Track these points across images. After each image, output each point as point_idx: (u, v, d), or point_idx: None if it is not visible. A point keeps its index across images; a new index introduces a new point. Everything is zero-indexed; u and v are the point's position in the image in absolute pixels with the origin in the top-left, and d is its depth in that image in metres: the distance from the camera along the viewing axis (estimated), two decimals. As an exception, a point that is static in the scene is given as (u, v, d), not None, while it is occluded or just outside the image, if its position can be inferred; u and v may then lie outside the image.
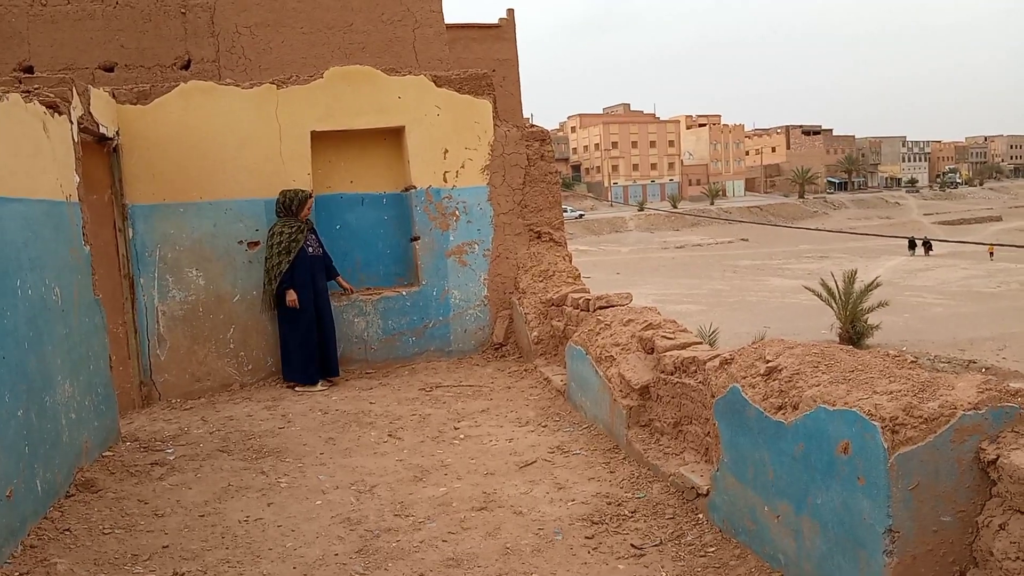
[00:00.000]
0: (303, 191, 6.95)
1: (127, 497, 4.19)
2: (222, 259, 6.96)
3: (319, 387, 6.71)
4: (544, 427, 5.27)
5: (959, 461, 2.30)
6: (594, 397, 5.18)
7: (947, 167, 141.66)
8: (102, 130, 6.01)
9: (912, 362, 2.85)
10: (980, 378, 2.39)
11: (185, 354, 6.84)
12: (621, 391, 4.70)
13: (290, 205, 6.84)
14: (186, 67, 9.14)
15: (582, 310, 6.15)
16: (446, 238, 7.57)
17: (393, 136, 7.60)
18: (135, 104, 6.70)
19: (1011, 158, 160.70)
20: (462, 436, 5.13)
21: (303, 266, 6.75)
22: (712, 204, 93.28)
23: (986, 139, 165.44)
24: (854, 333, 26.17)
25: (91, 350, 4.90)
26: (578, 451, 4.70)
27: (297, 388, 6.71)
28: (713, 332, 22.46)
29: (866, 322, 26.42)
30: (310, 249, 6.83)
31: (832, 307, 27.18)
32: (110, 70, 8.97)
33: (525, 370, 6.89)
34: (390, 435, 5.22)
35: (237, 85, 7.15)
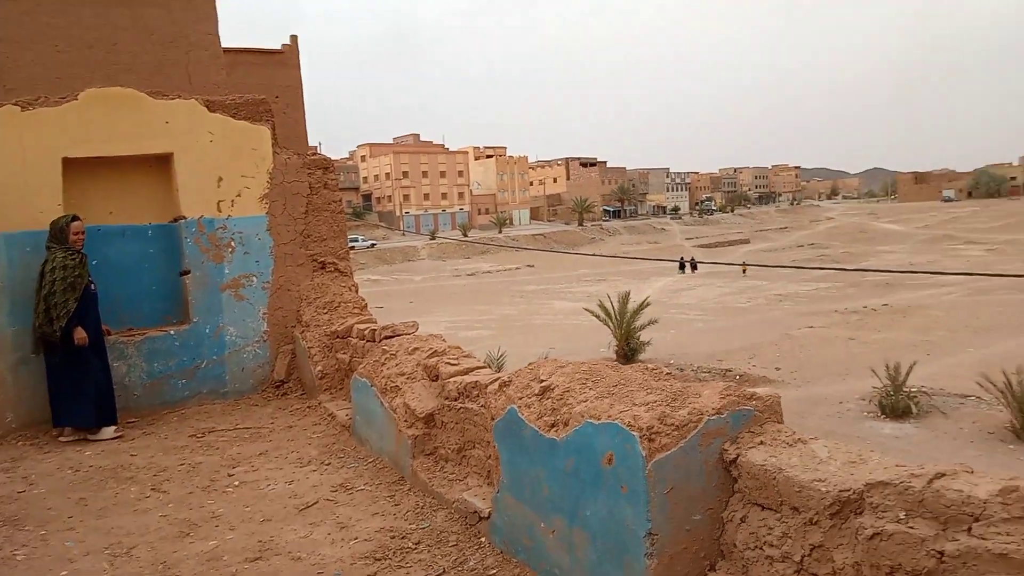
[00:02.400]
0: (68, 215, 6.19)
1: None
2: (-55, 302, 6.02)
3: (113, 433, 6.03)
4: (327, 465, 5.07)
5: (706, 463, 2.50)
6: (380, 429, 5.07)
7: (704, 196, 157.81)
8: None
9: (667, 374, 3.07)
10: (722, 385, 2.62)
11: None
12: (406, 421, 4.65)
13: (57, 232, 6.08)
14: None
15: (368, 341, 6.03)
16: (220, 271, 7.10)
17: (160, 163, 7.02)
18: None
19: (756, 187, 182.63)
20: (237, 483, 4.79)
21: (85, 301, 6.07)
22: (500, 232, 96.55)
23: (735, 170, 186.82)
24: (629, 349, 28.12)
25: None
26: (363, 487, 4.56)
27: (89, 437, 5.97)
28: (502, 355, 23.11)
29: (639, 339, 28.52)
30: (92, 285, 6.18)
31: (609, 326, 29.06)
32: None
33: (308, 407, 6.61)
34: (154, 489, 4.75)
35: (-32, 104, 6.27)
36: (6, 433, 6.15)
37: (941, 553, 1.76)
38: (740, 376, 24.34)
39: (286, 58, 15.39)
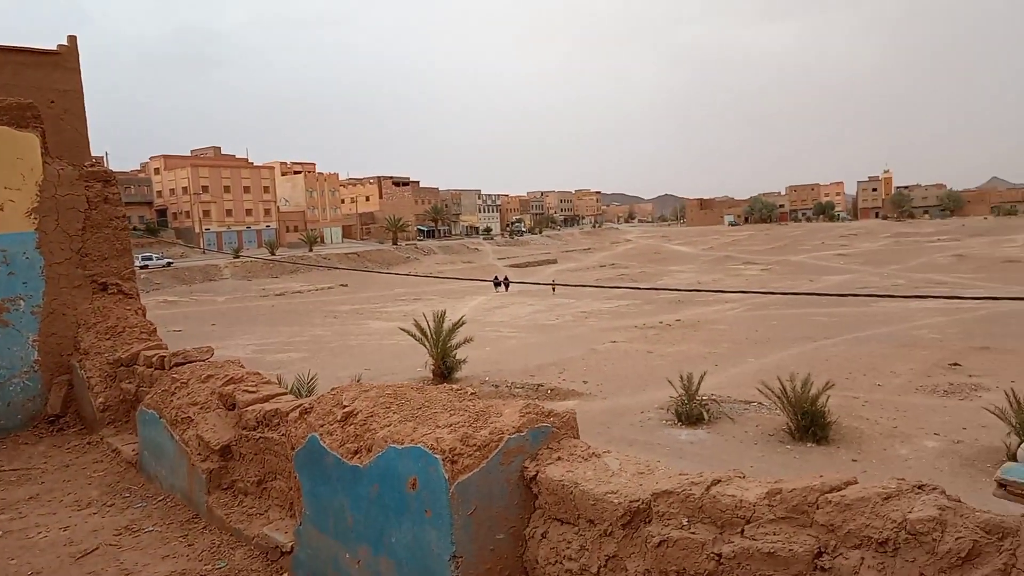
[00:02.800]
0: None
1: None
2: None
3: None
4: (110, 506, 4.61)
5: (508, 481, 2.54)
6: (171, 464, 4.70)
7: (514, 217, 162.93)
8: None
9: (471, 394, 3.09)
10: (522, 403, 2.68)
11: None
12: (200, 454, 4.34)
13: None
14: None
15: (156, 369, 5.58)
16: (-22, 294, 6.28)
17: None
18: None
19: (561, 210, 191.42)
20: (0, 533, 4.22)
21: None
22: (311, 250, 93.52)
23: (543, 194, 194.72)
24: (445, 368, 28.20)
25: None
26: (151, 528, 4.19)
27: None
28: (312, 379, 22.29)
29: (455, 357, 28.69)
30: None
31: (425, 345, 28.98)
32: None
33: (89, 443, 6.00)
34: None
35: None
36: None
37: (719, 555, 1.90)
38: (551, 390, 25.18)
39: (63, 59, 13.96)
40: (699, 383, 21.51)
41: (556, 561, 2.39)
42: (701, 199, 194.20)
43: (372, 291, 63.90)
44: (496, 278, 60.20)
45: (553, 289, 45.46)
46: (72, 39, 14.30)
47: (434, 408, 2.93)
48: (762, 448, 18.82)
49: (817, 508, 1.78)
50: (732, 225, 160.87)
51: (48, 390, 6.59)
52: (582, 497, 2.29)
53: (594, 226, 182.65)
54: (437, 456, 2.50)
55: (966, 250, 76.31)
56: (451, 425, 2.67)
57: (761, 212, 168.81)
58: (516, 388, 25.96)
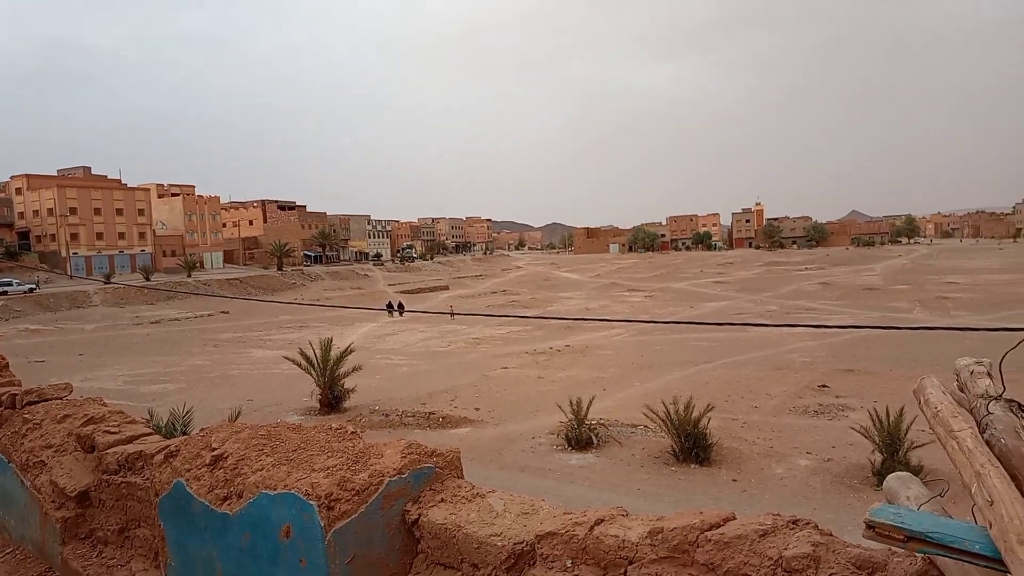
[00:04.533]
0: None
1: None
2: None
3: None
4: (-53, 563, 4.14)
5: (388, 526, 2.43)
6: (20, 513, 4.28)
7: (405, 243, 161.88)
8: None
9: (352, 433, 2.96)
10: (404, 443, 2.58)
11: None
12: (54, 501, 3.98)
13: None
14: None
15: (7, 407, 5.09)
16: None
17: None
18: None
19: (453, 237, 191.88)
20: None
21: None
22: (189, 276, 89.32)
23: (434, 220, 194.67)
24: (333, 397, 27.42)
25: None
26: (-7, 587, 3.78)
27: None
28: (188, 412, 21.10)
29: (343, 386, 27.95)
30: None
31: (311, 375, 28.12)
32: None
33: (-76, 492, 5.38)
34: None
35: None
36: None
37: (602, 596, 1.87)
38: (443, 418, 24.92)
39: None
40: (588, 408, 21.87)
41: (438, 608, 2.29)
42: (588, 228, 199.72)
43: (255, 318, 61.60)
44: (390, 303, 59.39)
45: (451, 315, 45.28)
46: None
47: (311, 450, 2.78)
48: (648, 470, 19.27)
49: (697, 547, 1.78)
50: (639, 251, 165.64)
51: None
52: (465, 540, 2.22)
53: (485, 253, 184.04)
54: (312, 502, 2.36)
55: (831, 278, 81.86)
56: (328, 468, 2.54)
57: (644, 241, 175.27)
58: (407, 416, 25.55)
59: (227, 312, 65.95)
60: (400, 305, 58.54)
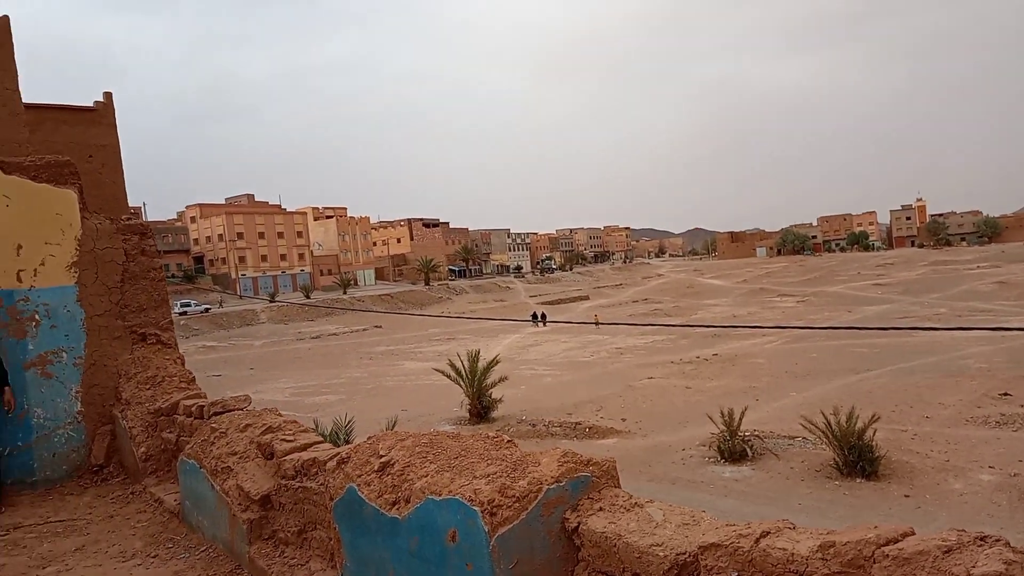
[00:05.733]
0: None
1: None
2: None
3: None
4: (154, 557, 4.63)
5: (549, 533, 2.48)
6: (212, 514, 4.70)
7: (544, 255, 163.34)
8: None
9: (508, 442, 3.05)
10: (560, 452, 2.63)
11: None
12: (240, 504, 4.34)
13: None
14: None
15: (196, 418, 5.63)
16: (23, 347, 6.42)
17: (-54, 230, 6.31)
18: None
19: (591, 247, 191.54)
20: (45, 587, 4.25)
21: None
22: (344, 293, 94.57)
23: (572, 231, 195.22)
24: (481, 408, 28.10)
25: None
26: (192, 580, 4.18)
27: None
28: (350, 422, 22.31)
29: (491, 396, 28.58)
30: None
31: (461, 385, 28.94)
32: None
33: (132, 493, 6.05)
34: (-61, 604, 4.12)
35: None
36: None
37: (771, 610, 1.83)
38: (590, 428, 24.89)
39: (100, 116, 14.45)
40: (740, 418, 21.09)
41: (603, 616, 2.32)
42: (732, 232, 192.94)
43: (406, 331, 64.22)
44: (535, 314, 60.18)
45: (596, 325, 45.24)
46: (108, 95, 14.80)
47: (470, 457, 2.89)
48: (809, 484, 18.31)
49: (874, 563, 1.70)
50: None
51: (92, 440, 6.67)
52: (626, 550, 2.23)
53: (624, 261, 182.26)
54: (476, 508, 2.46)
55: (1008, 276, 74.47)
56: (488, 475, 2.63)
57: (793, 243, 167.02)
58: (553, 427, 25.71)
59: (380, 326, 69.19)
60: (543, 315, 59.00)
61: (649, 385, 33.08)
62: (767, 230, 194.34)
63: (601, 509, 2.45)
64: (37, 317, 6.48)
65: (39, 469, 6.42)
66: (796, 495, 17.54)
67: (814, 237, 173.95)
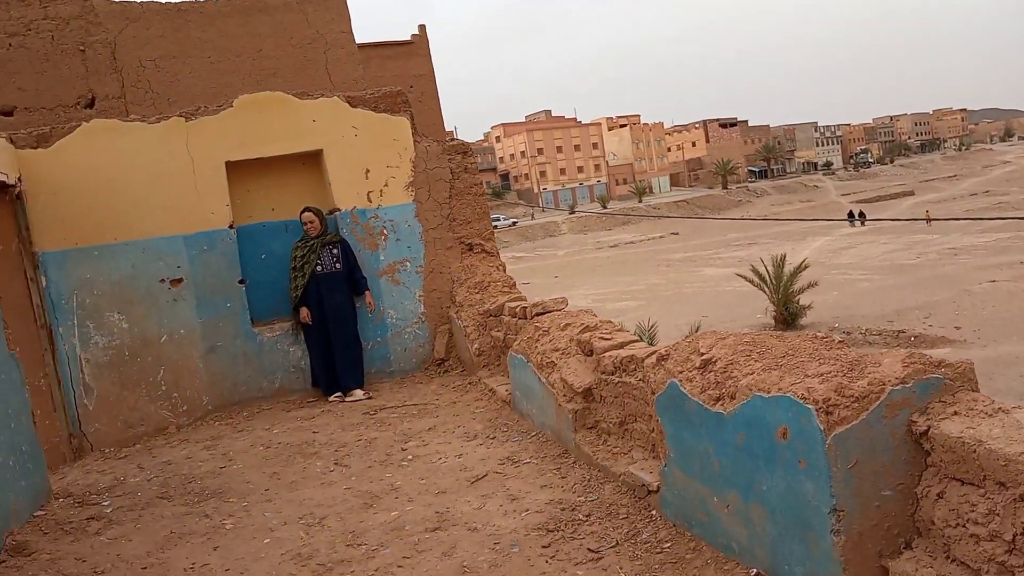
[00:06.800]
0: (303, 207, 7.12)
1: (63, 557, 3.97)
2: (144, 300, 6.71)
3: (333, 398, 6.91)
4: (493, 439, 5.22)
5: (893, 435, 2.35)
6: (539, 404, 5.16)
7: (858, 148, 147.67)
8: (1, 177, 5.72)
9: (839, 343, 2.91)
10: (904, 353, 2.45)
11: (115, 401, 6.56)
12: (565, 396, 4.70)
13: (300, 224, 7.10)
14: (90, 105, 8.82)
15: (520, 318, 6.14)
16: (376, 258, 7.46)
17: (312, 160, 7.46)
18: (36, 148, 6.41)
19: (916, 135, 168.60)
20: (410, 457, 5.05)
21: (311, 284, 6.97)
22: (640, 201, 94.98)
23: (892, 119, 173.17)
24: (788, 315, 26.91)
25: (10, 408, 4.63)
26: (528, 460, 4.67)
27: (331, 398, 6.91)
28: (652, 327, 22.77)
29: (798, 303, 27.21)
30: (319, 268, 6.99)
31: (765, 291, 27.91)
32: (9, 114, 8.59)
33: (469, 383, 6.83)
34: (337, 463, 5.10)
35: (143, 120, 6.91)
36: (204, 415, 6.81)
37: None
38: (915, 337, 22.67)
39: (416, 48, 15.78)
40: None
41: (958, 524, 2.17)
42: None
43: (704, 237, 63.01)
44: (851, 212, 55.27)
45: (927, 222, 40.18)
46: (422, 27, 16.08)
47: (799, 357, 2.82)
48: None
49: None
50: None
51: (433, 338, 7.63)
52: (988, 456, 2.04)
53: (959, 149, 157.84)
54: (809, 406, 2.41)
55: None
56: (821, 375, 2.55)
57: None
58: (871, 335, 23.84)
59: (676, 233, 68.71)
60: (860, 214, 53.87)
61: (991, 289, 28.96)
62: None
63: (956, 413, 2.26)
64: (385, 232, 7.46)
65: (394, 361, 7.51)
66: None
67: None
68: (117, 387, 6.58)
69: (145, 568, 3.76)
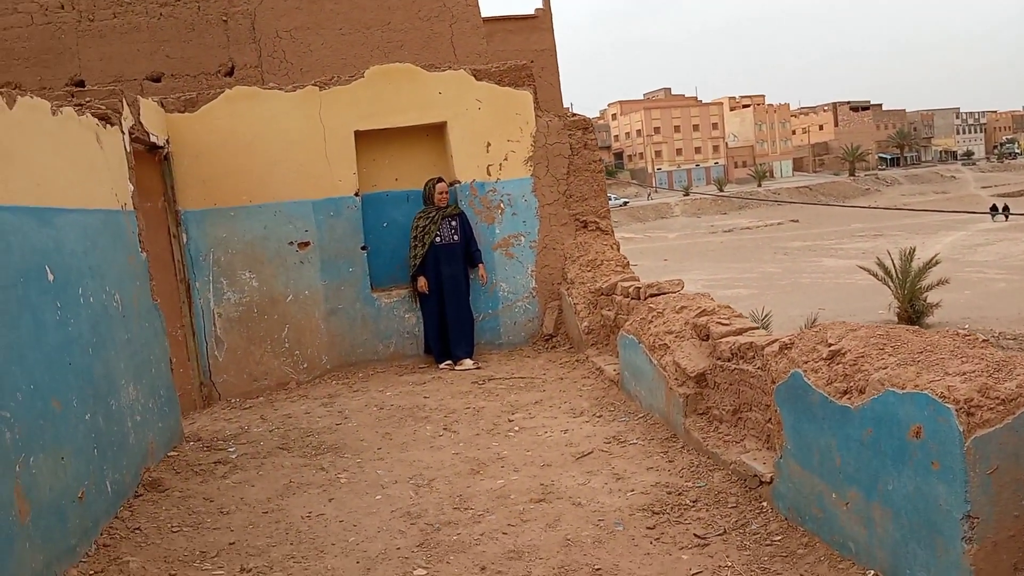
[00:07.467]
0: (433, 178, 7.30)
1: (193, 495, 4.29)
2: (274, 261, 7.08)
3: (443, 365, 7.13)
4: (599, 417, 5.23)
5: (1041, 443, 2.20)
6: (649, 386, 5.11)
7: (1004, 137, 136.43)
8: (152, 139, 6.14)
9: (983, 341, 2.73)
10: (1062, 355, 2.27)
11: (242, 355, 6.98)
12: (677, 379, 4.63)
13: (425, 194, 7.30)
14: (230, 73, 9.30)
15: (633, 298, 6.08)
16: (492, 231, 7.56)
17: (435, 132, 7.61)
18: (183, 112, 6.85)
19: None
20: (517, 428, 5.12)
21: (430, 254, 7.18)
22: (759, 186, 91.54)
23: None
24: (913, 312, 25.40)
25: (152, 354, 5.02)
26: (635, 441, 4.64)
27: (441, 366, 7.13)
28: (766, 316, 21.98)
29: (925, 300, 25.62)
30: (438, 239, 7.18)
31: (889, 286, 26.42)
32: (157, 80, 9.18)
33: (577, 360, 6.85)
34: (445, 428, 5.24)
35: (280, 88, 7.24)
36: (322, 373, 7.15)
37: None
38: (1055, 345, 20.95)
39: (539, 22, 15.67)
40: None
41: (1111, 544, 2.01)
42: None
43: (825, 226, 60.21)
44: (994, 205, 51.30)
45: None
46: (546, 2, 15.99)
47: (938, 354, 2.66)
48: None
49: None
50: None
51: (543, 313, 7.67)
52: None
53: None
54: (949, 405, 2.27)
55: None
56: (963, 373, 2.39)
57: None
58: (1005, 339, 22.18)
59: (796, 220, 65.97)
60: (1005, 208, 49.86)
61: None
62: None
63: (1122, 425, 2.08)
64: (502, 206, 7.54)
65: (504, 333, 7.61)
66: None
67: None
68: (245, 342, 7.00)
69: (266, 512, 4.01)
